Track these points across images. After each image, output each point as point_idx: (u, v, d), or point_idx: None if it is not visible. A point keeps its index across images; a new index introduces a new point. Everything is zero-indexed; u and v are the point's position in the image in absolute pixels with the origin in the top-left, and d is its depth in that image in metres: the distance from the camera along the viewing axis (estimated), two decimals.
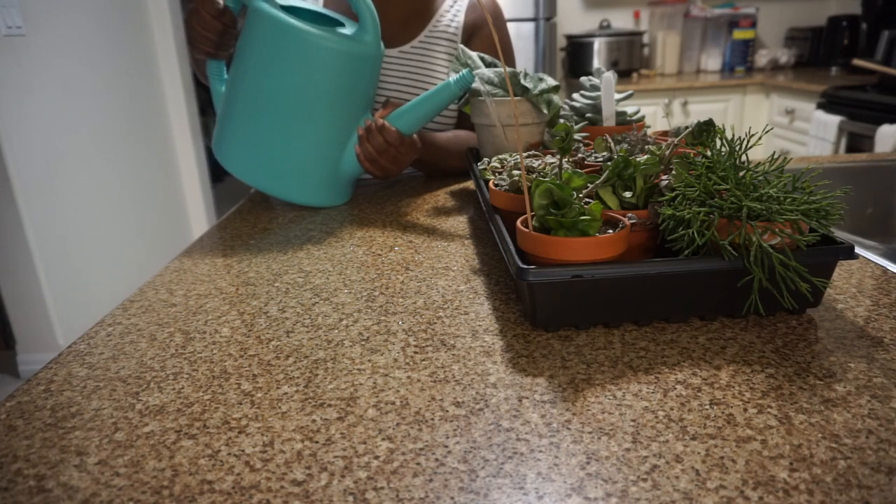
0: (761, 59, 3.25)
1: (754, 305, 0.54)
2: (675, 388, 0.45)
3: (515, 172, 0.68)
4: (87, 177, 2.34)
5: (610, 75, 0.91)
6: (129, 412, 0.46)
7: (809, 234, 0.52)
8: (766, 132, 0.59)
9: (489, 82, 0.95)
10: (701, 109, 2.92)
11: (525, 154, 0.78)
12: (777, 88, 2.82)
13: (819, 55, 3.21)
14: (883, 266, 0.67)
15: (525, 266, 0.51)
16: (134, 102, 2.66)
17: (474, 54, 1.01)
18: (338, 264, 0.73)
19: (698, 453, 0.39)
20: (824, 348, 0.50)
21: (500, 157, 0.80)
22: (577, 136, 0.87)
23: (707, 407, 0.43)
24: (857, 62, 2.53)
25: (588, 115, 0.97)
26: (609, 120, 0.92)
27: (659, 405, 0.44)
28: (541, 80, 0.92)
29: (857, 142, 2.29)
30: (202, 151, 3.14)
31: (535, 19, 2.81)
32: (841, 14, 3.09)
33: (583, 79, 1.00)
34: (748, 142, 0.57)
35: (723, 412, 0.43)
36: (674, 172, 0.59)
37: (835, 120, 2.34)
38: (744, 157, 0.58)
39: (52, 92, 2.17)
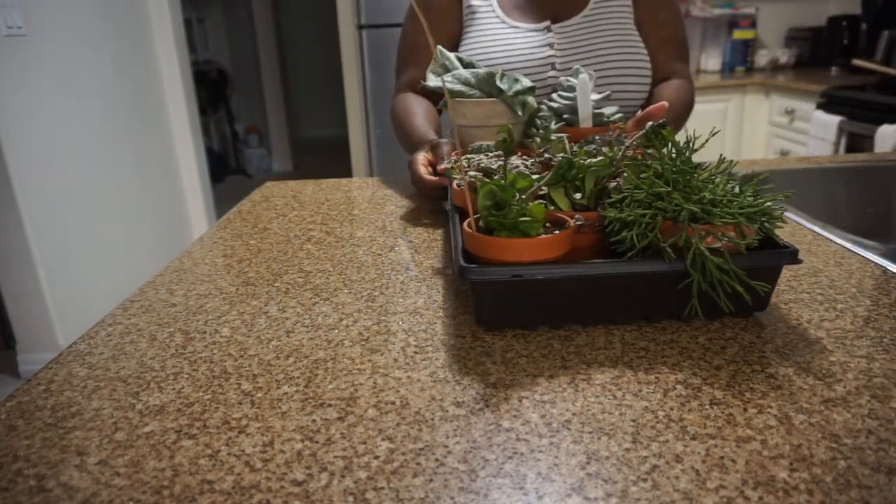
0: (761, 59, 3.25)
1: (695, 309, 0.53)
2: (675, 388, 0.46)
3: (471, 174, 0.68)
4: (87, 177, 2.34)
5: (586, 76, 0.91)
6: (130, 412, 0.46)
7: (750, 238, 0.51)
8: (714, 135, 0.58)
9: (466, 83, 0.95)
10: (700, 109, 2.91)
11: (491, 154, 0.78)
12: (777, 88, 2.82)
13: (819, 55, 3.21)
14: (883, 266, 0.67)
15: (466, 265, 0.51)
16: (134, 102, 2.66)
17: (451, 55, 1.00)
18: (338, 264, 0.73)
19: (698, 453, 0.39)
20: (824, 348, 0.51)
21: (468, 157, 0.79)
22: (553, 137, 0.86)
23: (707, 407, 0.43)
24: (857, 62, 2.53)
25: (565, 115, 0.96)
26: (586, 121, 0.92)
27: (659, 405, 0.44)
28: (516, 81, 0.92)
29: (857, 142, 2.29)
30: (202, 151, 3.13)
31: None
32: (841, 14, 3.09)
33: (561, 79, 1.00)
34: (693, 144, 0.57)
35: (723, 412, 0.43)
36: (625, 175, 0.59)
37: (835, 120, 2.34)
38: (703, 161, 0.57)
39: (52, 92, 2.17)
